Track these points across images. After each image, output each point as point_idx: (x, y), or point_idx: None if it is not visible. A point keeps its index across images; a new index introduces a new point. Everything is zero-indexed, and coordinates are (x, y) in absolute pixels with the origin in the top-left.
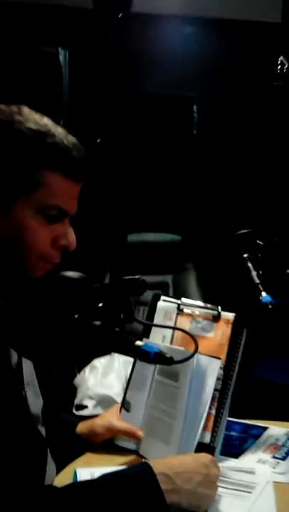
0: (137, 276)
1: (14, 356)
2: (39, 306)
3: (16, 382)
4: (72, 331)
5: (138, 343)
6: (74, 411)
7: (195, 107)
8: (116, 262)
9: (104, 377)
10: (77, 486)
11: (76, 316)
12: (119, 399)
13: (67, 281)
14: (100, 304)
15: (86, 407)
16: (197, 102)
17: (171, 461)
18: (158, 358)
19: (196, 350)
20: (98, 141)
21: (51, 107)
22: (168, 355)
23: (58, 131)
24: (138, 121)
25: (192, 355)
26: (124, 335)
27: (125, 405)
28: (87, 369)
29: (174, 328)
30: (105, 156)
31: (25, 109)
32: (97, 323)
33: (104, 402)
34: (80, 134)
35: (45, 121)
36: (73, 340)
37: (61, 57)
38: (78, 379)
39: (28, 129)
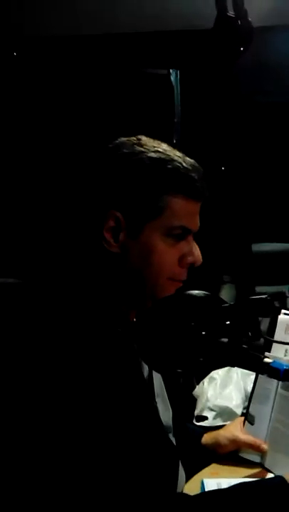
0: (264, 296)
1: (145, 369)
2: (169, 323)
3: (148, 394)
4: (200, 347)
5: (267, 360)
6: (194, 422)
7: None
8: (239, 274)
9: (223, 389)
10: (211, 494)
11: (204, 333)
12: (238, 411)
13: (194, 299)
14: (228, 322)
15: (206, 418)
16: None
17: None
18: (288, 375)
19: None
20: (222, 168)
21: (164, 128)
22: None
23: (177, 154)
24: (258, 133)
25: None
26: (252, 352)
27: (249, 418)
28: (205, 381)
29: None
30: (229, 179)
31: (144, 139)
32: (225, 340)
33: (224, 413)
34: (199, 155)
35: (164, 147)
36: (201, 355)
37: (172, 78)
38: (197, 390)
39: (149, 158)
